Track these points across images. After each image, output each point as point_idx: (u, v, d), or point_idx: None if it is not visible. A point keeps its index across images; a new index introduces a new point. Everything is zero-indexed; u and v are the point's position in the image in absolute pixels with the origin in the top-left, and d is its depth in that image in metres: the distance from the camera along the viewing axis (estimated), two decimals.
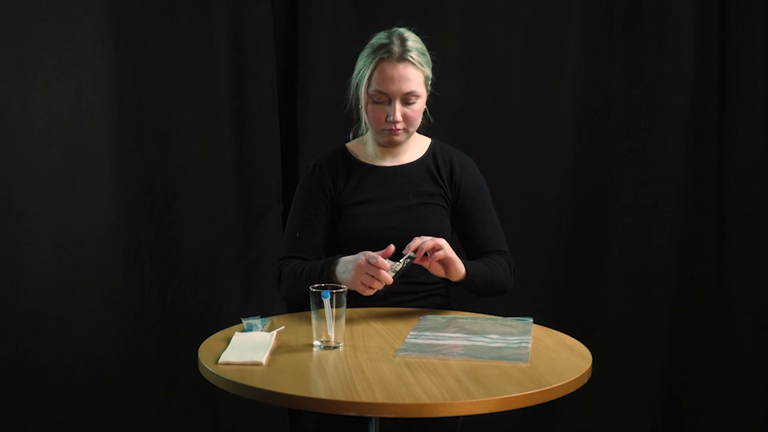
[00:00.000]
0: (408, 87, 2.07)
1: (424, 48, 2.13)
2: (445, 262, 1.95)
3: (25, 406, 2.68)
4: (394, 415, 1.45)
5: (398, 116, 2.08)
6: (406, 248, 1.92)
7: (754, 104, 3.05)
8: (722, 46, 3.07)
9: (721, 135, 3.10)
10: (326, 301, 1.72)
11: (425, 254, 1.93)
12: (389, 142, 2.15)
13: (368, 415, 1.55)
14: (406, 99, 2.08)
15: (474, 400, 1.46)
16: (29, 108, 2.64)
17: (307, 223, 2.15)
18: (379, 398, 1.46)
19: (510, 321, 1.98)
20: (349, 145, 2.25)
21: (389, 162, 2.19)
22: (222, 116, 2.83)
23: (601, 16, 3.06)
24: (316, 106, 2.89)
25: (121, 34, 2.71)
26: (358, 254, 1.90)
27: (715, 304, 3.14)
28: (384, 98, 2.08)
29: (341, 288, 1.75)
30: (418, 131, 2.23)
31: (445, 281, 2.04)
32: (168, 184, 2.81)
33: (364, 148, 2.22)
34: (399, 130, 2.11)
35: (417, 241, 1.92)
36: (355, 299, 1.95)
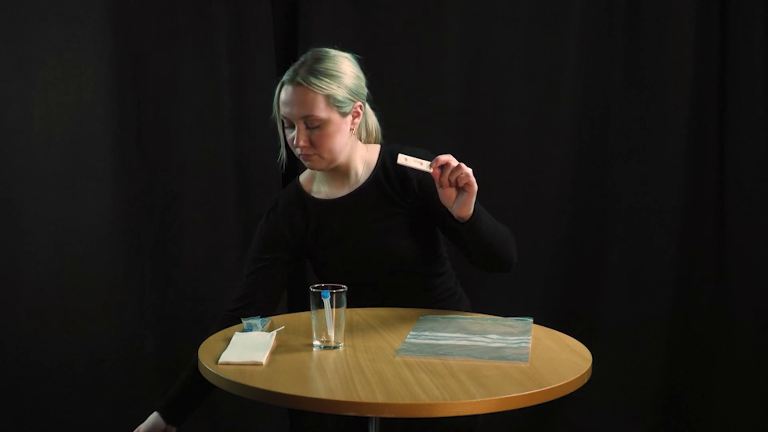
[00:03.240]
0: (302, 111, 1.92)
1: (337, 67, 1.96)
2: (467, 190, 1.80)
3: (25, 406, 2.68)
4: (394, 415, 1.45)
5: (301, 141, 1.94)
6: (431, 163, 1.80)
7: (754, 104, 3.04)
8: (722, 46, 3.07)
9: (721, 135, 3.10)
10: (326, 301, 1.72)
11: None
12: (309, 167, 2.03)
13: (368, 415, 1.55)
14: (308, 123, 1.94)
15: (474, 400, 1.46)
16: (29, 108, 2.64)
17: (259, 271, 2.05)
18: (379, 398, 1.46)
19: (510, 321, 1.98)
20: (302, 178, 2.14)
21: (339, 191, 2.07)
22: (222, 116, 2.83)
23: (601, 16, 3.06)
24: None
25: (121, 34, 2.71)
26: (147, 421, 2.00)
27: (715, 304, 3.14)
28: (289, 122, 1.97)
29: (341, 288, 1.75)
30: (368, 141, 2.11)
31: (452, 222, 1.90)
32: (168, 184, 2.81)
33: (315, 179, 2.11)
34: (311, 155, 1.97)
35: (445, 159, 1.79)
36: (356, 300, 1.94)
